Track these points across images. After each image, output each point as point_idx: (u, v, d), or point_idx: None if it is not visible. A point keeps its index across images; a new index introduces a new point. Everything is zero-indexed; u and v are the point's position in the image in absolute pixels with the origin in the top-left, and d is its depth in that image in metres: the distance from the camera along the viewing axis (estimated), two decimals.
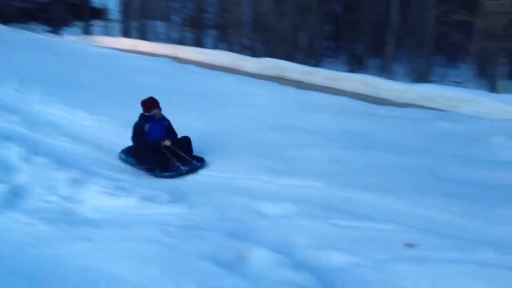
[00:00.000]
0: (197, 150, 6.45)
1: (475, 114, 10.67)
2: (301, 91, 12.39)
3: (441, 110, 11.13)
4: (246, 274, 3.29)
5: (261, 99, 10.84)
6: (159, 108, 6.43)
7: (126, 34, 28.63)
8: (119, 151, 6.57)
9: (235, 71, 16.31)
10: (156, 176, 6.11)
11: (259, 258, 3.51)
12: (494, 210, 4.47)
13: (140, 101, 6.46)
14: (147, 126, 6.28)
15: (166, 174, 6.11)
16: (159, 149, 6.23)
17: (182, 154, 6.22)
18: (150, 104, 6.41)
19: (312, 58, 21.78)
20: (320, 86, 14.49)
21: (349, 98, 11.45)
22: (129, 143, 6.41)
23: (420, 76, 19.36)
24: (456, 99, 12.32)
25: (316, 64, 20.10)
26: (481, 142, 7.35)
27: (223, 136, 7.48)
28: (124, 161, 6.43)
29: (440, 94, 12.73)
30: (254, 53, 21.75)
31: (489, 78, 19.19)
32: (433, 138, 7.70)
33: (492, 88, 17.72)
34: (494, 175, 5.72)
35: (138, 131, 6.28)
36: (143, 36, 27.30)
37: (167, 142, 6.28)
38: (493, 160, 6.41)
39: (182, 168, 6.12)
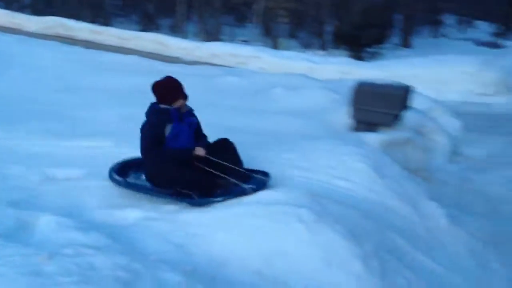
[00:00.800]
0: None
1: (260, 69, 11.53)
2: (89, 50, 11.89)
3: (229, 67, 11.70)
4: (30, 241, 3.10)
5: (46, 60, 10.21)
6: (185, 96, 4.04)
7: None
8: (110, 168, 4.27)
9: (14, 31, 14.87)
10: (195, 204, 3.76)
11: (44, 224, 3.34)
12: (259, 154, 4.84)
13: (152, 85, 4.05)
14: (169, 128, 3.90)
15: (218, 199, 3.76)
16: (191, 162, 3.93)
17: (231, 165, 3.90)
18: (172, 89, 3.98)
19: (101, 17, 20.96)
20: (110, 45, 14.19)
21: (139, 57, 11.34)
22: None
23: (210, 35, 20.05)
24: (243, 56, 13.18)
25: (105, 23, 19.39)
26: (263, 94, 7.95)
27: (4, 101, 6.84)
28: (126, 186, 4.07)
29: (228, 52, 13.46)
30: (36, 12, 20.06)
31: (272, 36, 20.75)
32: (220, 93, 8.09)
33: (275, 45, 19.25)
34: (274, 123, 6.28)
35: (156, 135, 3.88)
36: None
37: (201, 151, 3.94)
38: (273, 110, 7.01)
39: (246, 187, 3.79)
